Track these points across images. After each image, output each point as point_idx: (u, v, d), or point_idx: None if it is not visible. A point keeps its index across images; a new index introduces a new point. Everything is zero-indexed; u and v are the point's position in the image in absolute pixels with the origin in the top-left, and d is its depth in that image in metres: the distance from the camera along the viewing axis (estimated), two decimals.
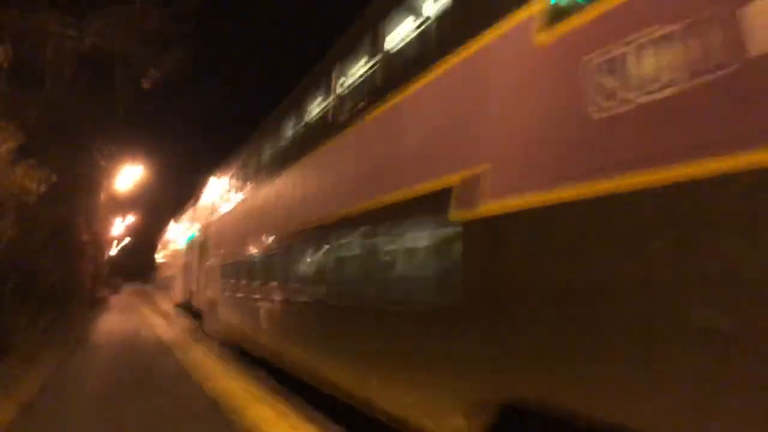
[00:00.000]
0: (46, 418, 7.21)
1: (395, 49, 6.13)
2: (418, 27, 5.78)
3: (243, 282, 12.41)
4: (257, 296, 11.08)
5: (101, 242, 33.44)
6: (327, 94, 7.86)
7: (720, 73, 2.73)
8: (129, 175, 27.44)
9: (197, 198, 22.26)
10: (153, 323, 23.76)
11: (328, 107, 7.76)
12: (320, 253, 7.72)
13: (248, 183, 12.16)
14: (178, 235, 32.46)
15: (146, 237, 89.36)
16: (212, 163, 18.73)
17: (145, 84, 7.78)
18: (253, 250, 11.45)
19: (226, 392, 8.75)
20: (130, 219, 46.61)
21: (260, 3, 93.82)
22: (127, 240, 60.79)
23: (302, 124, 9.27)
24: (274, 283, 9.88)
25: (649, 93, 3.02)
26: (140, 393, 8.76)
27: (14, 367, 9.94)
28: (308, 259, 8.21)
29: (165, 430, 6.71)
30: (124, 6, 7.34)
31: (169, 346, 15.17)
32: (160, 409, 7.61)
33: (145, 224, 62.74)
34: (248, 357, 12.49)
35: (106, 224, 33.39)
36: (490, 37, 4.39)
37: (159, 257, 53.64)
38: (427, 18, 5.64)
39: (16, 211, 10.17)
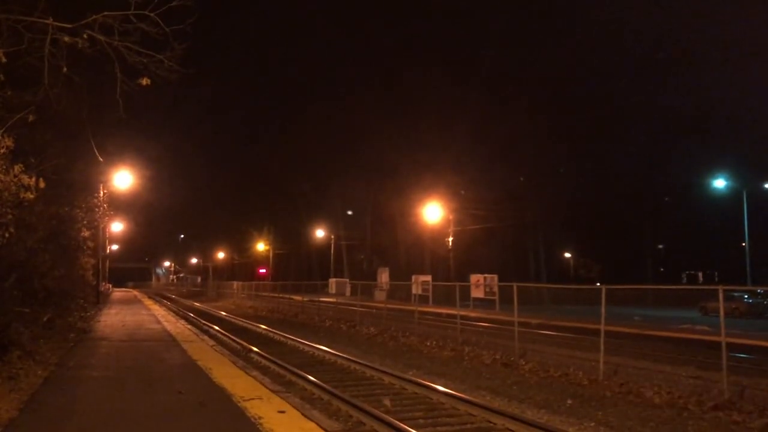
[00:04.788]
0: (49, 411, 7.30)
1: None
2: None
3: None
4: None
5: (102, 238, 33.49)
6: None
7: None
8: (123, 178, 27.54)
9: None
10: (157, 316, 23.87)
11: None
12: None
13: None
14: None
15: (134, 246, 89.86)
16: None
17: (144, 81, 7.83)
18: None
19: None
20: (118, 226, 46.60)
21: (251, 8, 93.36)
22: (115, 247, 61.06)
23: None
24: None
25: None
26: (141, 385, 8.87)
27: (17, 361, 10.02)
28: None
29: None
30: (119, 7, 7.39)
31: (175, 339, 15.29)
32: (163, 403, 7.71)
33: (131, 234, 63.15)
34: None
35: (106, 221, 33.43)
36: None
37: None
38: None
39: (15, 209, 10.23)
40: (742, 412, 9.27)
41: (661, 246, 61.32)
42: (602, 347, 12.39)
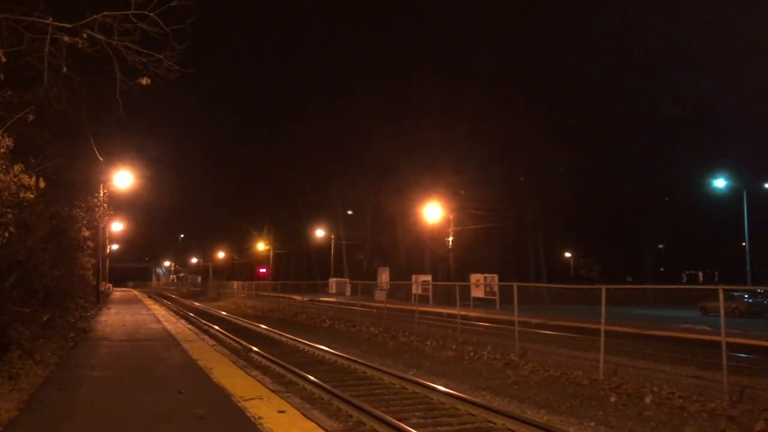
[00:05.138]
0: (49, 411, 7.30)
1: None
2: None
3: None
4: None
5: (102, 238, 33.49)
6: None
7: None
8: (123, 178, 27.55)
9: None
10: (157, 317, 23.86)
11: None
12: None
13: None
14: None
15: (134, 246, 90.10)
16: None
17: (143, 81, 7.83)
18: None
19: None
20: (118, 226, 46.69)
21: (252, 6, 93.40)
22: (115, 247, 61.31)
23: None
24: None
25: None
26: (141, 384, 8.86)
27: (17, 361, 10.01)
28: None
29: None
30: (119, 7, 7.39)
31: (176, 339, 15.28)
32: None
33: (131, 234, 63.29)
34: None
35: (106, 221, 33.43)
36: None
37: None
38: None
39: (15, 208, 10.23)
40: (742, 412, 9.27)
41: (661, 246, 61.31)
42: (602, 347, 12.39)
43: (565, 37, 65.57)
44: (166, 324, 20.77)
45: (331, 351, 15.85)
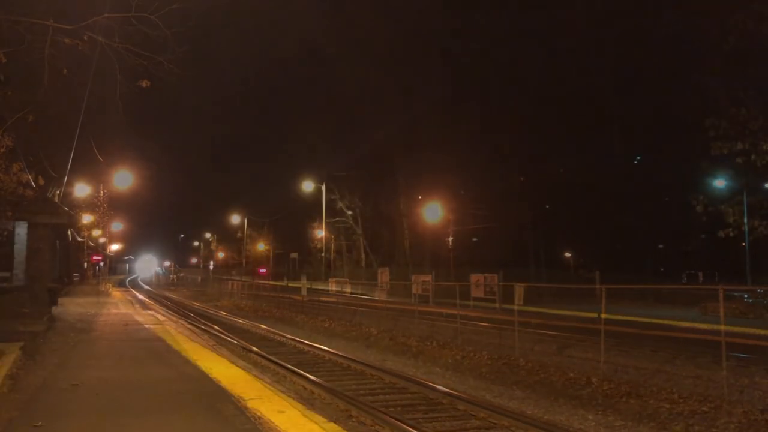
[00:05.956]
0: (49, 411, 7.31)
1: None
2: None
3: None
4: None
5: (102, 237, 33.53)
6: None
7: None
8: (123, 178, 27.60)
9: None
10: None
11: None
12: None
13: None
14: None
15: (134, 246, 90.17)
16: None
17: (143, 83, 7.84)
18: None
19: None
20: (118, 226, 46.76)
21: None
22: (115, 247, 61.64)
23: None
24: None
25: None
26: (141, 385, 8.87)
27: (17, 361, 10.03)
28: None
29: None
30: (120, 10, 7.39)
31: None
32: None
33: (132, 234, 63.54)
34: None
35: (106, 220, 33.48)
36: None
37: None
38: None
39: (15, 207, 10.26)
40: (742, 412, 9.29)
41: (661, 246, 61.32)
42: (602, 347, 12.41)
43: (565, 35, 65.60)
44: (166, 324, 20.77)
45: (331, 351, 15.87)
